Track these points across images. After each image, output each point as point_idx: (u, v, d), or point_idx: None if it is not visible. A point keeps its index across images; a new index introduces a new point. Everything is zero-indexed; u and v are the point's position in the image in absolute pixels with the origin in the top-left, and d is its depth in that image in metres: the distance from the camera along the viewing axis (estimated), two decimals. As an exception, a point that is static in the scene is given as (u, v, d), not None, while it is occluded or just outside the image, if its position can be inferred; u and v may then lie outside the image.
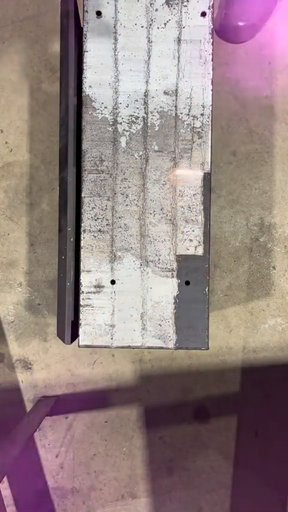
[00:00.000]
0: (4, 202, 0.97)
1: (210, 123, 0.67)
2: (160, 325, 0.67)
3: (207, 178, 0.67)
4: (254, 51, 0.96)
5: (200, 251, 0.67)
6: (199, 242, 0.67)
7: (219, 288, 0.96)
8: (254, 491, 0.96)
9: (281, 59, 0.96)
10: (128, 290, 0.67)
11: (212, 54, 0.67)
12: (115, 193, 0.68)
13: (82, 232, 0.68)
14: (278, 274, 0.96)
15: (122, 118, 0.67)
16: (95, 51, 0.67)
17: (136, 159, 0.67)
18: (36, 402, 0.96)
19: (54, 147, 0.96)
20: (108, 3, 0.67)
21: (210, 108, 0.67)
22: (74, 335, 0.68)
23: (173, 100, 0.67)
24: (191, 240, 0.67)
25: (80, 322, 0.67)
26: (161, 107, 0.67)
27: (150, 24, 0.67)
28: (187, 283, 0.67)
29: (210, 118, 0.67)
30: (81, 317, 0.67)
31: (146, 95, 0.67)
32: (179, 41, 0.67)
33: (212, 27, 0.67)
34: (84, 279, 0.67)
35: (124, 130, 0.67)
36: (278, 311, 0.96)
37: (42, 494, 0.97)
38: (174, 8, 0.67)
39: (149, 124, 0.67)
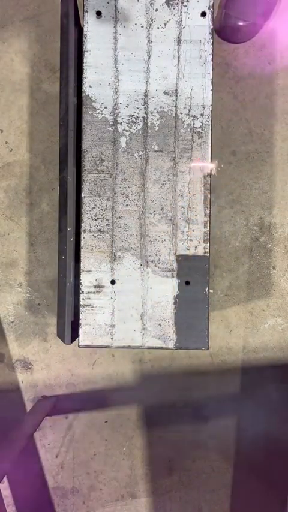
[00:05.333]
0: (4, 202, 0.97)
1: (210, 123, 0.67)
2: (160, 325, 0.67)
3: (207, 178, 0.67)
4: (254, 51, 0.96)
5: (200, 251, 0.67)
6: (199, 242, 0.67)
7: (219, 288, 0.96)
8: (254, 491, 0.96)
9: (281, 59, 0.96)
10: (128, 290, 0.67)
11: (212, 54, 0.67)
12: (115, 193, 0.68)
13: (82, 232, 0.68)
14: (278, 274, 0.96)
15: (122, 118, 0.67)
16: (95, 51, 0.67)
17: (136, 159, 0.67)
18: (36, 402, 0.96)
19: (54, 147, 0.96)
20: (108, 3, 0.67)
21: (210, 108, 0.67)
22: (74, 335, 0.68)
23: (173, 100, 0.67)
24: (191, 240, 0.67)
25: (80, 322, 0.67)
26: (161, 107, 0.67)
27: (150, 24, 0.67)
28: (187, 283, 0.67)
29: (210, 118, 0.67)
30: (81, 317, 0.67)
31: (146, 95, 0.67)
32: (179, 41, 0.67)
33: (212, 27, 0.67)
34: (84, 279, 0.67)
35: (124, 130, 0.67)
36: (278, 311, 0.96)
37: (42, 494, 0.97)
38: (174, 8, 0.67)
39: (149, 124, 0.67)
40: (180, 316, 0.67)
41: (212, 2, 0.67)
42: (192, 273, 0.67)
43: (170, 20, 0.67)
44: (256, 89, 0.96)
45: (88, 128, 0.67)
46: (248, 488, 0.96)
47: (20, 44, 0.96)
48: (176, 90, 0.67)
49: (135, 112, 0.67)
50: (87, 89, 0.67)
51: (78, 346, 0.67)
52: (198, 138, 0.67)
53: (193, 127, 0.67)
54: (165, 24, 0.67)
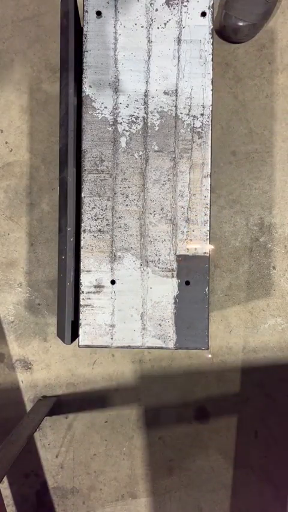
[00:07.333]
0: (4, 202, 0.97)
1: (210, 123, 0.67)
2: (160, 325, 0.67)
3: (207, 178, 0.67)
4: (254, 51, 0.96)
5: (200, 251, 0.67)
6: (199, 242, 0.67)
7: (219, 288, 0.96)
8: (254, 491, 0.96)
9: (281, 59, 0.96)
10: (128, 290, 0.67)
11: (212, 54, 0.67)
12: (115, 193, 0.68)
13: (82, 232, 0.68)
14: (278, 274, 0.96)
15: (122, 118, 0.67)
16: (95, 51, 0.67)
17: (136, 159, 0.67)
18: (36, 402, 0.96)
19: (54, 147, 0.96)
20: (108, 3, 0.67)
21: (210, 108, 0.67)
22: (74, 335, 0.68)
23: (173, 100, 0.67)
24: (191, 240, 0.67)
25: (80, 322, 0.67)
26: (161, 107, 0.67)
27: (150, 24, 0.67)
28: (187, 283, 0.67)
29: (210, 118, 0.67)
30: (81, 317, 0.67)
31: (146, 95, 0.67)
32: (179, 41, 0.67)
33: (212, 27, 0.67)
34: (84, 279, 0.67)
35: (124, 130, 0.67)
36: (278, 311, 0.96)
37: (42, 494, 0.97)
38: (174, 8, 0.67)
39: (149, 124, 0.67)
40: (180, 316, 0.67)
41: (212, 2, 0.67)
42: (192, 273, 0.67)
43: (170, 20, 0.67)
44: (256, 89, 0.96)
45: (88, 128, 0.67)
46: (248, 488, 0.96)
47: (20, 44, 0.96)
48: (176, 90, 0.67)
49: (135, 112, 0.67)
50: (87, 89, 0.67)
51: (78, 346, 0.67)
52: (198, 138, 0.67)
53: (193, 127, 0.67)
54: (165, 24, 0.67)
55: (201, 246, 0.67)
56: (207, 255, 0.67)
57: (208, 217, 0.67)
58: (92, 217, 0.68)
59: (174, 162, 0.67)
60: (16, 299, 0.97)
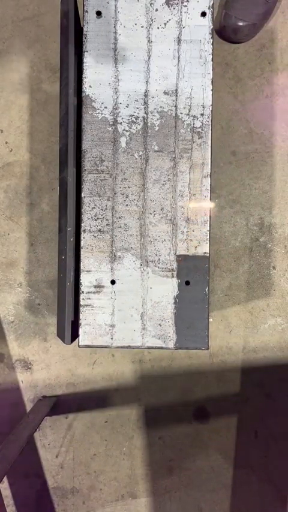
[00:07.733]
0: (4, 202, 0.97)
1: (210, 123, 0.67)
2: (160, 325, 0.67)
3: (207, 178, 0.67)
4: (254, 51, 0.96)
5: (200, 251, 0.67)
6: (199, 242, 0.67)
7: (219, 288, 0.96)
8: (254, 491, 0.96)
9: (281, 58, 0.96)
10: (128, 290, 0.67)
11: (212, 54, 0.67)
12: (115, 193, 0.68)
13: (82, 232, 0.68)
14: (278, 274, 0.96)
15: (122, 118, 0.67)
16: (95, 51, 0.67)
17: (136, 159, 0.67)
18: (36, 402, 0.96)
19: (54, 147, 0.96)
20: (108, 3, 0.67)
21: (210, 108, 0.67)
22: (74, 335, 0.68)
23: (173, 100, 0.67)
24: (191, 240, 0.67)
25: (80, 322, 0.67)
26: (161, 107, 0.67)
27: (150, 24, 0.67)
28: (187, 283, 0.67)
29: (210, 118, 0.67)
30: (81, 317, 0.67)
31: (146, 95, 0.67)
32: (179, 41, 0.67)
33: (212, 27, 0.67)
34: (84, 279, 0.67)
35: (124, 130, 0.67)
36: (278, 311, 0.96)
37: (42, 494, 0.97)
38: (174, 8, 0.67)
39: (149, 124, 0.67)
40: (180, 316, 0.67)
41: (212, 2, 0.67)
42: (192, 273, 0.67)
43: (170, 20, 0.67)
44: (256, 89, 0.96)
45: (88, 128, 0.67)
46: (248, 488, 0.96)
47: (20, 44, 0.96)
48: (176, 90, 0.67)
49: (135, 112, 0.67)
50: (87, 89, 0.67)
51: (78, 346, 0.67)
52: (198, 138, 0.67)
53: (193, 127, 0.67)
54: (165, 24, 0.67)
55: (201, 246, 0.67)
56: (207, 255, 0.67)
57: (208, 217, 0.67)
58: (92, 217, 0.68)
59: (174, 162, 0.67)
60: (16, 299, 0.97)
